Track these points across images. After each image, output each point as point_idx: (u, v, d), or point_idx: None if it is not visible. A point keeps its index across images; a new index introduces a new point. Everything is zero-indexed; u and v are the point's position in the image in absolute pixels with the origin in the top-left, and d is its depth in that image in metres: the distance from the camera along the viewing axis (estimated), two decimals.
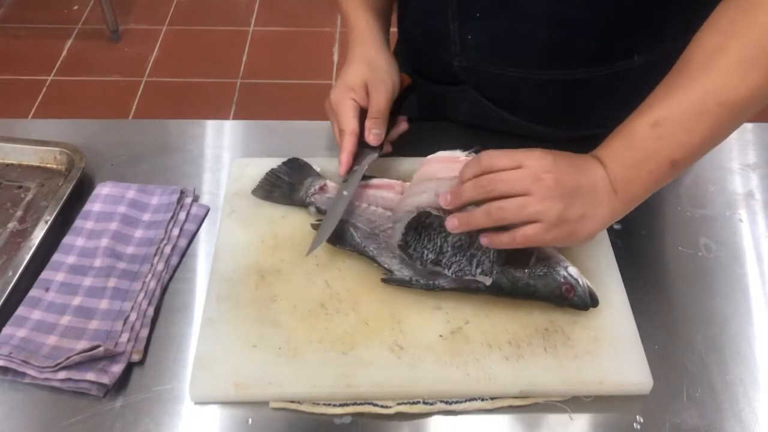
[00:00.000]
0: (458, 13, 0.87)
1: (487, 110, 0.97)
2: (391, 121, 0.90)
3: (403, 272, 0.79)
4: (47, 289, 0.81)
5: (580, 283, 0.75)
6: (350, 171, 0.86)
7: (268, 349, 0.74)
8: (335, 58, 2.75)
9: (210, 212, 0.92)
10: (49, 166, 0.97)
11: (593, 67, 0.88)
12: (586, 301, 0.75)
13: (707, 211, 0.91)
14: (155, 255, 0.84)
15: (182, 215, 0.89)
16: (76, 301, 0.80)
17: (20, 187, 0.95)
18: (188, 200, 0.91)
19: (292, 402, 0.72)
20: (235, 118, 2.49)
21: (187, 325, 0.79)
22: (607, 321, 0.76)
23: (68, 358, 0.71)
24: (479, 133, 1.00)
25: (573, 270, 0.76)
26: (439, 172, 0.81)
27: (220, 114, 2.51)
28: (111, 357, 0.74)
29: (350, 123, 0.85)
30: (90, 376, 0.71)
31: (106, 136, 1.02)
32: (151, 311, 0.79)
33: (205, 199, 0.94)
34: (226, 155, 1.00)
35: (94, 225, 0.88)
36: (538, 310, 0.77)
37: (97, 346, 0.72)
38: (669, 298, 0.82)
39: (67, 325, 0.77)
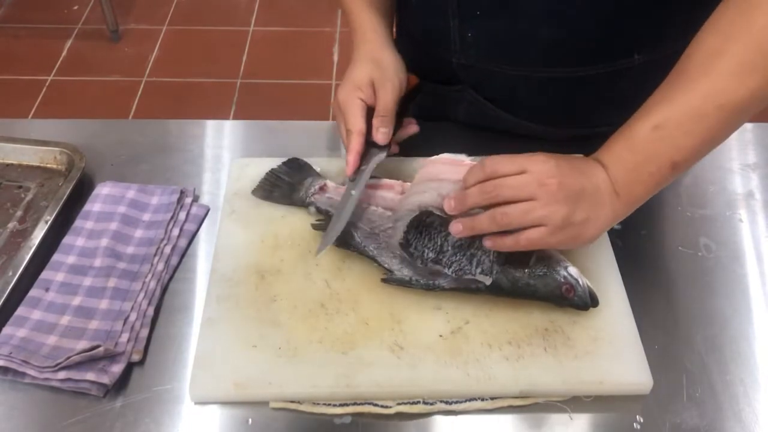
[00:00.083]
0: (458, 12, 0.87)
1: (486, 110, 0.97)
2: (398, 122, 0.90)
3: (403, 272, 0.79)
4: (47, 289, 0.81)
5: (580, 283, 0.75)
6: (357, 171, 0.85)
7: (268, 349, 0.74)
8: (335, 58, 2.75)
9: (210, 212, 0.92)
10: (49, 166, 0.97)
11: (593, 65, 0.88)
12: (586, 301, 0.75)
13: (707, 211, 0.91)
14: (155, 255, 0.84)
15: (182, 215, 0.89)
16: (76, 301, 0.80)
17: (20, 187, 0.95)
18: (188, 200, 0.91)
19: (292, 402, 0.72)
20: (235, 118, 2.50)
21: (187, 325, 0.79)
22: (607, 321, 0.76)
23: (68, 358, 0.71)
24: (478, 134, 1.00)
25: (573, 270, 0.76)
26: (443, 174, 0.81)
27: (220, 114, 2.51)
28: (111, 357, 0.74)
29: (358, 122, 0.85)
30: (90, 376, 0.71)
31: (106, 136, 1.02)
32: (151, 311, 0.79)
33: (205, 199, 0.94)
34: (226, 155, 1.00)
35: (94, 225, 0.88)
36: (538, 310, 0.77)
37: (97, 346, 0.72)
38: (669, 298, 0.82)
39: (67, 325, 0.77)
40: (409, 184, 0.86)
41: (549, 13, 0.83)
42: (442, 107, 1.03)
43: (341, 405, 0.71)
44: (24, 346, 0.74)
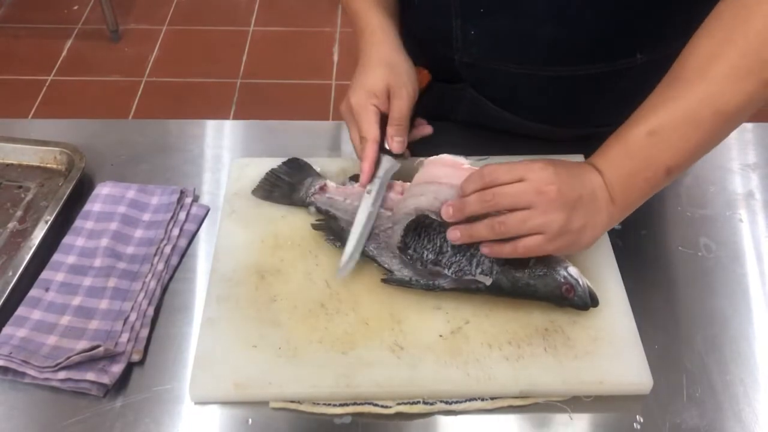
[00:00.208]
0: (461, 10, 0.87)
1: (487, 109, 0.97)
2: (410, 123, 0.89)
3: (403, 272, 0.79)
4: (47, 289, 0.81)
5: (580, 283, 0.75)
6: (372, 179, 0.84)
7: (268, 349, 0.74)
8: (335, 58, 2.75)
9: (210, 212, 0.92)
10: (49, 166, 0.97)
11: (594, 64, 0.88)
12: (586, 301, 0.75)
13: (707, 211, 0.91)
14: (155, 255, 0.84)
15: (182, 215, 0.89)
16: (76, 301, 0.80)
17: (20, 187, 0.95)
18: (188, 200, 0.91)
19: (292, 402, 0.72)
20: (235, 118, 2.50)
21: (187, 325, 0.79)
22: (607, 321, 0.76)
23: (68, 358, 0.71)
24: (479, 133, 1.00)
25: (573, 270, 0.76)
26: (441, 177, 0.81)
27: (220, 114, 2.51)
28: (111, 357, 0.74)
29: (372, 130, 0.83)
30: (90, 376, 0.71)
31: (106, 136, 1.02)
32: (151, 311, 0.79)
33: (205, 199, 0.94)
34: (226, 155, 1.00)
35: (94, 225, 0.88)
36: (538, 310, 0.77)
37: (97, 346, 0.72)
38: (669, 298, 0.82)
39: (67, 325, 0.77)
40: (408, 184, 0.86)
41: (551, 11, 0.83)
42: (442, 106, 1.03)
43: (341, 405, 0.71)
44: (24, 346, 0.74)
